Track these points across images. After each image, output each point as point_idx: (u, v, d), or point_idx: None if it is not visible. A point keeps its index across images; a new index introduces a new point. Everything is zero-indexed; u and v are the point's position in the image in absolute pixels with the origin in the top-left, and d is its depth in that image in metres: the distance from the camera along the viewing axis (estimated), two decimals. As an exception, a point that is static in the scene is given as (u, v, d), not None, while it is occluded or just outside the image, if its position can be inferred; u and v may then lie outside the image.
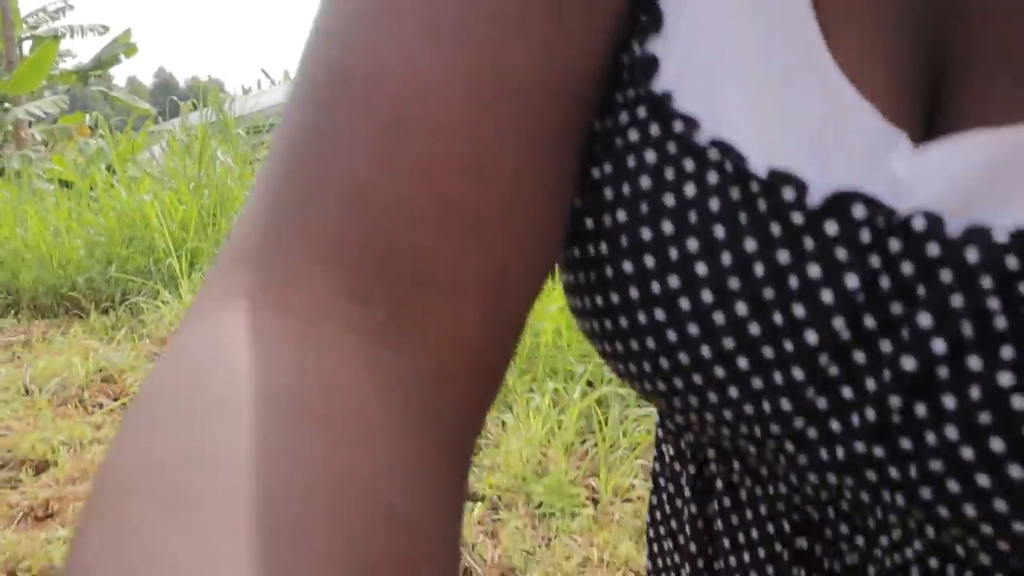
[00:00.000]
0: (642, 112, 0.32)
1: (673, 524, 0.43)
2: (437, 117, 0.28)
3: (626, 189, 0.32)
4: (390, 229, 0.28)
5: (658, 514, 0.45)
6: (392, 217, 0.28)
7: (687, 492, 0.42)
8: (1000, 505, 0.26)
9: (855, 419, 0.29)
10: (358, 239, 0.28)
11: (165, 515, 0.20)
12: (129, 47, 15.02)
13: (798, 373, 0.30)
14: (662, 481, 0.44)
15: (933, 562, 0.32)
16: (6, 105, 11.21)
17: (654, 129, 0.32)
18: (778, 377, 0.30)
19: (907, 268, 0.28)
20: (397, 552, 0.21)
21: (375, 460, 0.23)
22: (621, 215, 0.32)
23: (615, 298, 0.32)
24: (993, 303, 0.27)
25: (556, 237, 0.32)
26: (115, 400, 3.73)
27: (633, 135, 0.32)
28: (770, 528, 0.37)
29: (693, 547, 0.41)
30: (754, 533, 0.38)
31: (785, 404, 0.30)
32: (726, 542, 0.39)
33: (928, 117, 0.29)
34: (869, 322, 0.29)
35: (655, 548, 0.45)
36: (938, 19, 0.29)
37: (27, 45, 14.05)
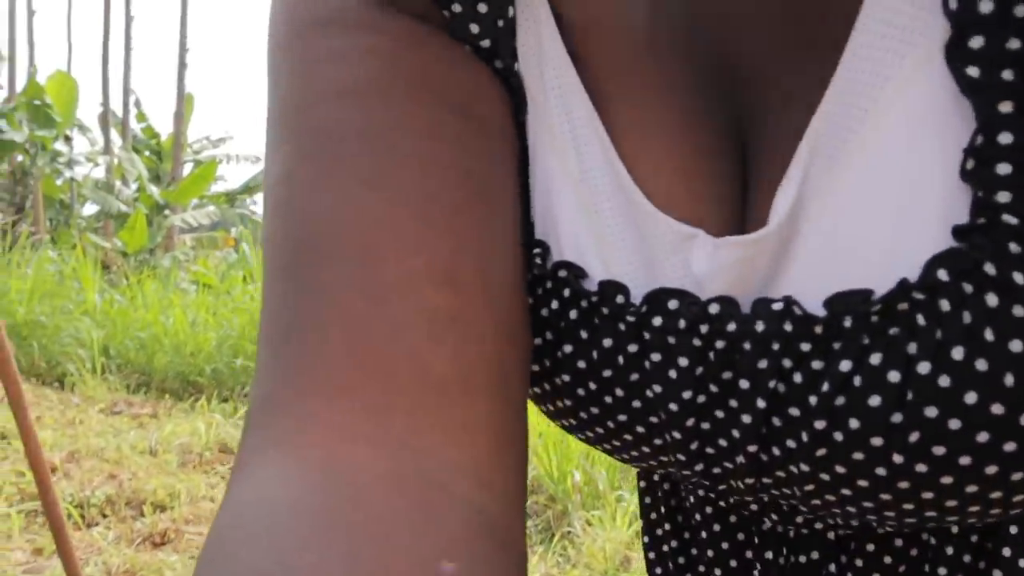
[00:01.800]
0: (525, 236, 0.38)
1: (658, 518, 0.52)
2: (400, 243, 0.31)
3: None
4: (385, 346, 0.30)
5: (652, 515, 0.52)
6: (384, 336, 0.30)
7: (662, 494, 0.51)
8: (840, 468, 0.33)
9: (737, 460, 0.36)
10: (360, 363, 0.29)
11: None
12: (277, 177, 16.34)
13: (677, 433, 0.37)
14: (647, 499, 0.53)
15: (831, 534, 0.43)
16: (166, 212, 12.39)
17: (529, 253, 0.38)
18: (668, 436, 0.37)
19: (719, 343, 0.34)
20: None
21: (412, 567, 0.24)
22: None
23: (546, 386, 0.40)
24: (786, 362, 0.33)
25: (527, 331, 0.37)
26: (228, 466, 4.06)
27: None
28: (722, 523, 0.47)
29: (674, 542, 0.50)
30: (715, 526, 0.47)
31: (680, 456, 0.38)
32: (702, 533, 0.48)
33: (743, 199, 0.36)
34: (713, 388, 0.35)
35: (649, 540, 0.52)
36: (740, 114, 0.35)
37: (188, 166, 15.51)
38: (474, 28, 0.38)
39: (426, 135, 0.34)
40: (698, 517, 0.48)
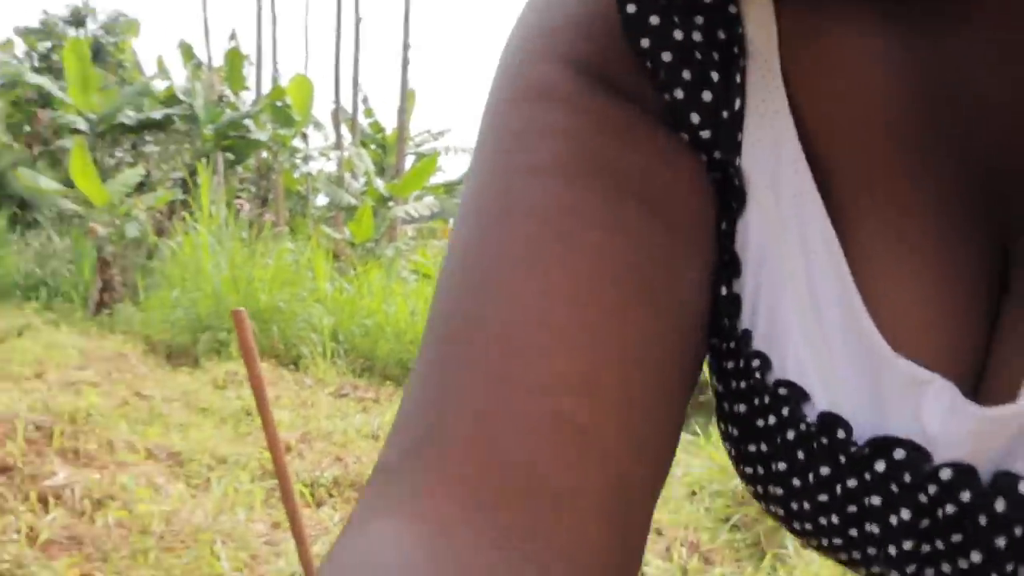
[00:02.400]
0: (732, 345, 0.37)
1: None
2: (546, 341, 0.31)
3: (727, 405, 0.38)
4: (507, 444, 0.29)
5: None
6: (508, 434, 0.29)
7: None
8: None
9: None
10: (478, 456, 0.29)
11: None
12: (492, 169, 16.86)
13: (895, 572, 0.34)
14: None
15: None
16: (390, 204, 13.11)
17: (741, 363, 0.36)
18: (886, 569, 0.35)
19: (950, 508, 0.31)
20: None
21: None
22: (733, 429, 0.38)
23: (759, 489, 0.38)
24: None
25: (672, 447, 0.35)
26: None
27: (730, 363, 0.37)
28: None
29: None
30: None
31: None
32: None
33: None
34: (939, 544, 0.32)
35: None
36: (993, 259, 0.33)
37: (410, 160, 16.30)
38: (695, 118, 0.35)
39: (600, 226, 0.33)
40: None
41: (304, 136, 14.71)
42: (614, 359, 0.31)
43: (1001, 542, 0.31)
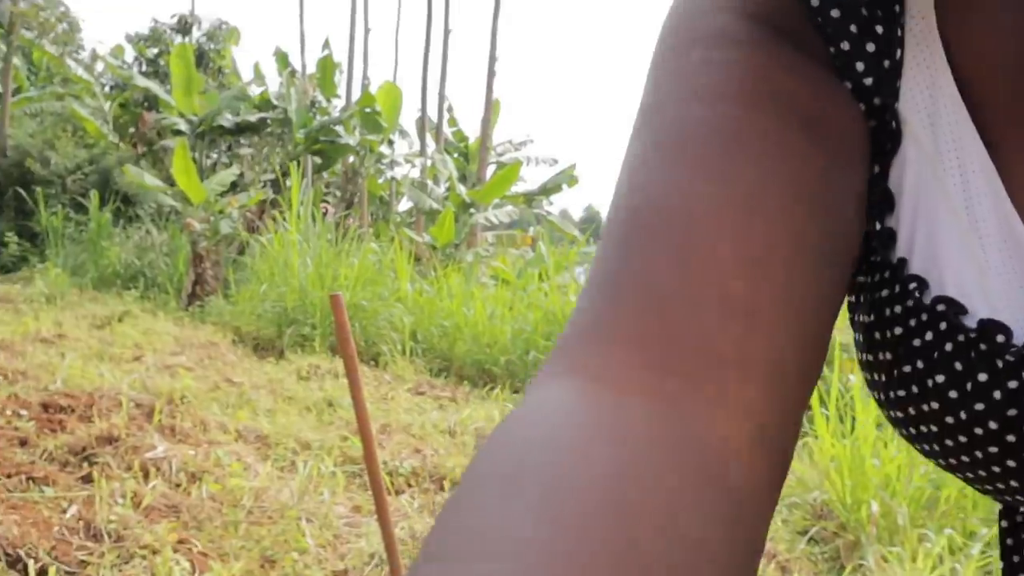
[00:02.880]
0: (886, 275, 0.41)
1: (1021, 561, 0.48)
2: (720, 230, 0.35)
3: (879, 334, 0.42)
4: (679, 316, 0.33)
5: (1015, 557, 0.49)
6: (681, 307, 0.33)
7: None
8: None
9: None
10: (653, 326, 0.33)
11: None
12: (571, 179, 16.90)
13: None
14: (1009, 540, 0.49)
15: None
16: (471, 210, 13.29)
17: (896, 288, 0.41)
18: None
19: None
20: None
21: (657, 534, 0.26)
22: (886, 354, 0.41)
23: (911, 411, 0.41)
24: None
25: (824, 339, 0.38)
26: (519, 455, 4.29)
27: (884, 292, 0.41)
28: None
29: None
30: None
31: None
32: None
33: None
34: None
35: None
36: None
37: (491, 168, 16.47)
38: (859, 66, 0.40)
39: (767, 140, 0.37)
40: None
41: (390, 142, 15.02)
42: (779, 252, 0.35)
43: None
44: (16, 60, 14.64)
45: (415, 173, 15.36)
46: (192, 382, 4.92)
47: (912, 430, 0.42)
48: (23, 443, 3.46)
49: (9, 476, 3.04)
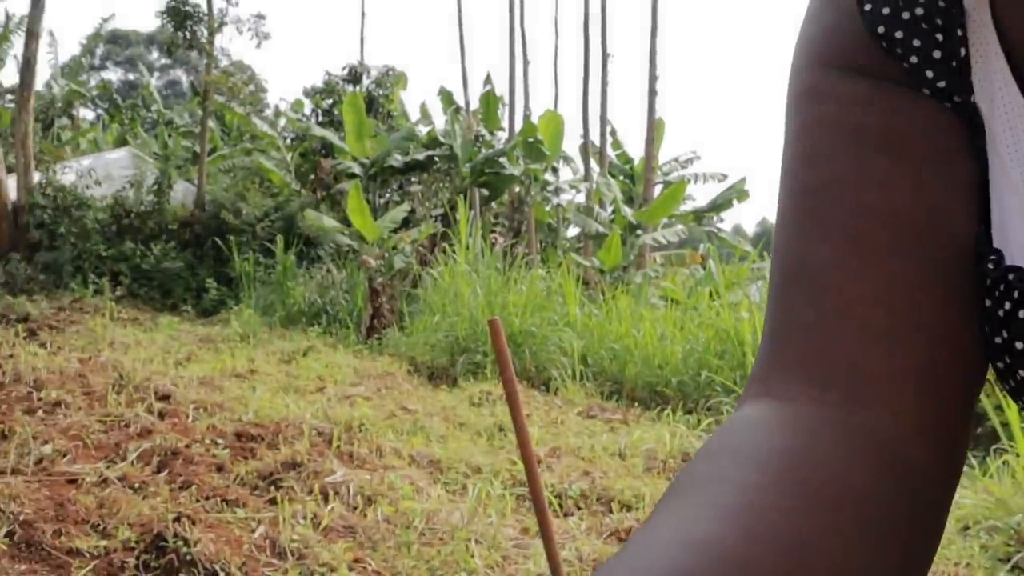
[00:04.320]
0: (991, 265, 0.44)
1: None
2: (844, 278, 0.43)
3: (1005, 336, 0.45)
4: (828, 348, 0.42)
5: None
6: (827, 341, 0.42)
7: None
8: None
9: None
10: (810, 352, 0.43)
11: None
12: (742, 193, 16.45)
13: None
14: None
15: None
16: (638, 231, 13.22)
17: (985, 261, 0.44)
18: None
19: None
20: None
21: (843, 525, 0.34)
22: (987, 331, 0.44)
23: (1011, 383, 0.44)
24: None
25: (967, 337, 0.43)
26: (691, 476, 4.19)
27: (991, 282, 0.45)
28: None
29: None
30: None
31: None
32: None
33: None
34: None
35: None
36: None
37: (658, 188, 16.31)
38: (929, 73, 0.45)
39: (863, 185, 0.44)
40: None
41: (554, 170, 15.21)
42: (898, 281, 0.43)
43: None
44: (211, 123, 16.03)
45: (580, 198, 15.45)
46: (369, 411, 5.15)
47: (1019, 402, 0.44)
48: (219, 469, 3.73)
49: (207, 498, 3.29)
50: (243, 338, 9.16)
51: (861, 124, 0.45)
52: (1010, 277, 0.42)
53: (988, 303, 0.43)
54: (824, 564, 0.32)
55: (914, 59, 0.45)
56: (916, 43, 0.45)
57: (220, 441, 4.16)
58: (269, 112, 19.99)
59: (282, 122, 18.16)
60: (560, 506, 3.72)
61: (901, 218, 0.43)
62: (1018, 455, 3.45)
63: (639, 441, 4.83)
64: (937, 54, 0.44)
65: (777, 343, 0.45)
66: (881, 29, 0.45)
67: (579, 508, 3.75)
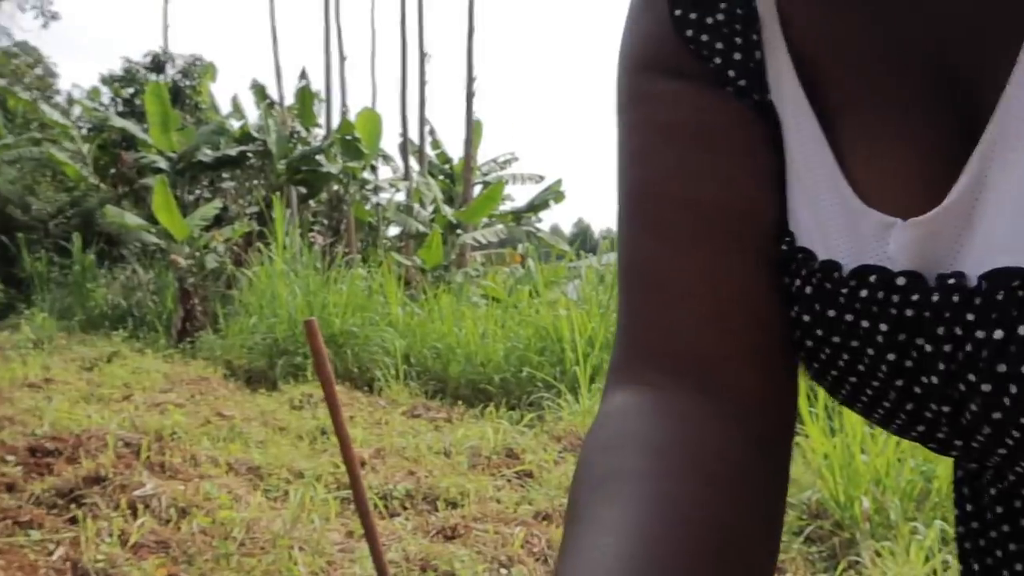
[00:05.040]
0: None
1: (974, 510, 0.53)
2: (675, 271, 0.48)
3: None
4: (670, 338, 0.47)
5: (967, 506, 0.54)
6: (674, 330, 0.47)
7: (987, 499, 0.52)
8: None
9: (942, 425, 0.43)
10: (660, 349, 0.47)
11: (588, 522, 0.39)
12: (558, 195, 16.93)
13: (897, 399, 0.44)
14: (964, 489, 0.55)
15: None
16: (459, 231, 13.30)
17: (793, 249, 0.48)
18: (893, 404, 0.44)
19: (908, 312, 0.42)
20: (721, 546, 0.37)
21: (735, 496, 0.40)
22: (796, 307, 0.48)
23: (802, 355, 0.48)
24: (957, 330, 0.39)
25: (785, 315, 0.47)
26: (513, 470, 4.27)
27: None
28: None
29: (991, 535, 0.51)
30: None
31: (911, 422, 0.45)
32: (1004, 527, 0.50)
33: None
34: (913, 353, 0.42)
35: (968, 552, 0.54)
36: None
37: (477, 188, 16.49)
38: (731, 73, 0.49)
39: (683, 181, 0.49)
40: (998, 509, 0.50)
41: (373, 168, 15.03)
42: (721, 265, 0.47)
43: (940, 331, 0.40)
44: (-7, 108, 14.64)
45: (401, 197, 15.36)
46: (182, 418, 4.89)
47: (824, 382, 0.48)
48: (10, 488, 3.43)
49: (-4, 522, 3.01)
50: (36, 344, 8.44)
51: (674, 122, 0.49)
52: (799, 256, 0.46)
53: (787, 280, 0.47)
54: (732, 532, 0.39)
55: (718, 60, 0.49)
56: (719, 46, 0.49)
57: (10, 458, 3.82)
58: (61, 99, 18.49)
59: (76, 111, 16.86)
60: (386, 507, 3.69)
61: (715, 209, 0.47)
62: (807, 436, 3.76)
63: (463, 439, 4.86)
64: (737, 56, 0.49)
65: (628, 337, 0.49)
66: (689, 32, 0.50)
67: (405, 508, 3.74)
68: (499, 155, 17.73)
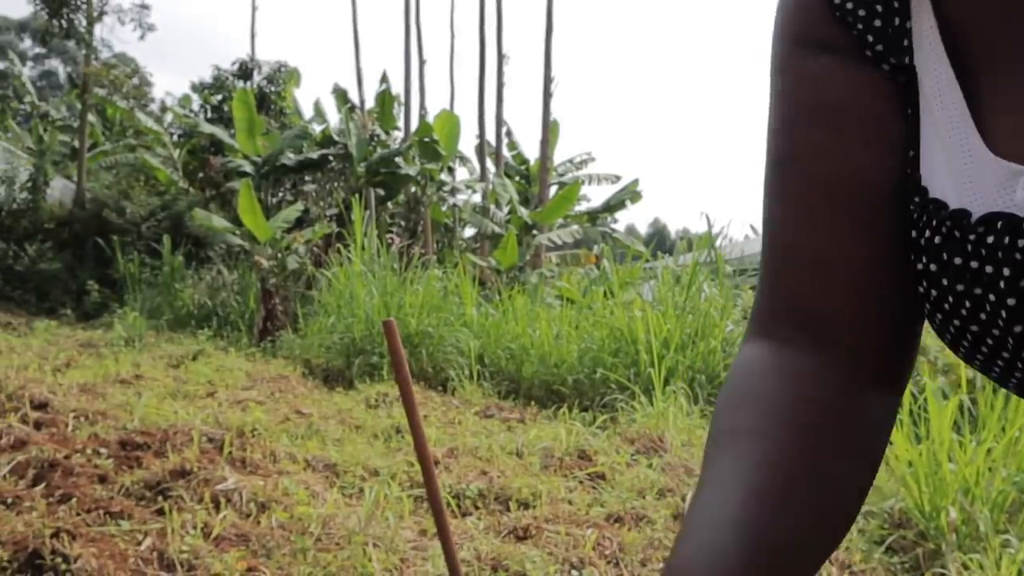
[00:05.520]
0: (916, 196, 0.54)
1: None
2: (799, 237, 0.56)
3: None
4: (799, 299, 0.55)
5: None
6: (797, 294, 0.55)
7: None
8: None
9: None
10: (790, 306, 0.56)
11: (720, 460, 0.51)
12: (635, 195, 16.80)
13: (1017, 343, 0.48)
14: None
15: None
16: (534, 232, 13.33)
17: (926, 200, 0.53)
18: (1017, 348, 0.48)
19: None
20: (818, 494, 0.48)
21: (840, 451, 0.50)
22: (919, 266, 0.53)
23: (928, 306, 0.53)
24: None
25: (904, 281, 0.53)
26: (585, 472, 4.25)
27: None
28: None
29: None
30: None
31: None
32: None
33: None
34: None
35: None
36: None
37: (553, 189, 16.48)
38: (870, 38, 0.54)
39: (816, 159, 0.55)
40: None
41: (450, 170, 15.19)
42: (845, 244, 0.53)
43: None
44: (91, 117, 15.30)
45: (477, 198, 15.47)
46: (262, 415, 5.02)
47: (963, 345, 0.51)
48: (102, 480, 3.57)
49: (89, 511, 3.14)
50: (128, 342, 8.79)
51: (816, 104, 0.55)
52: (930, 207, 0.50)
53: (914, 234, 0.52)
54: (830, 476, 0.48)
55: (860, 27, 0.54)
56: (861, 12, 0.54)
57: (103, 451, 3.98)
58: (154, 107, 19.23)
59: (168, 118, 17.51)
60: (458, 506, 3.72)
61: (844, 184, 0.53)
62: (891, 443, 3.65)
63: (536, 439, 4.87)
64: (877, 23, 0.53)
65: (764, 294, 0.57)
66: (837, 1, 0.55)
67: (477, 508, 3.76)
68: (575, 155, 17.74)
